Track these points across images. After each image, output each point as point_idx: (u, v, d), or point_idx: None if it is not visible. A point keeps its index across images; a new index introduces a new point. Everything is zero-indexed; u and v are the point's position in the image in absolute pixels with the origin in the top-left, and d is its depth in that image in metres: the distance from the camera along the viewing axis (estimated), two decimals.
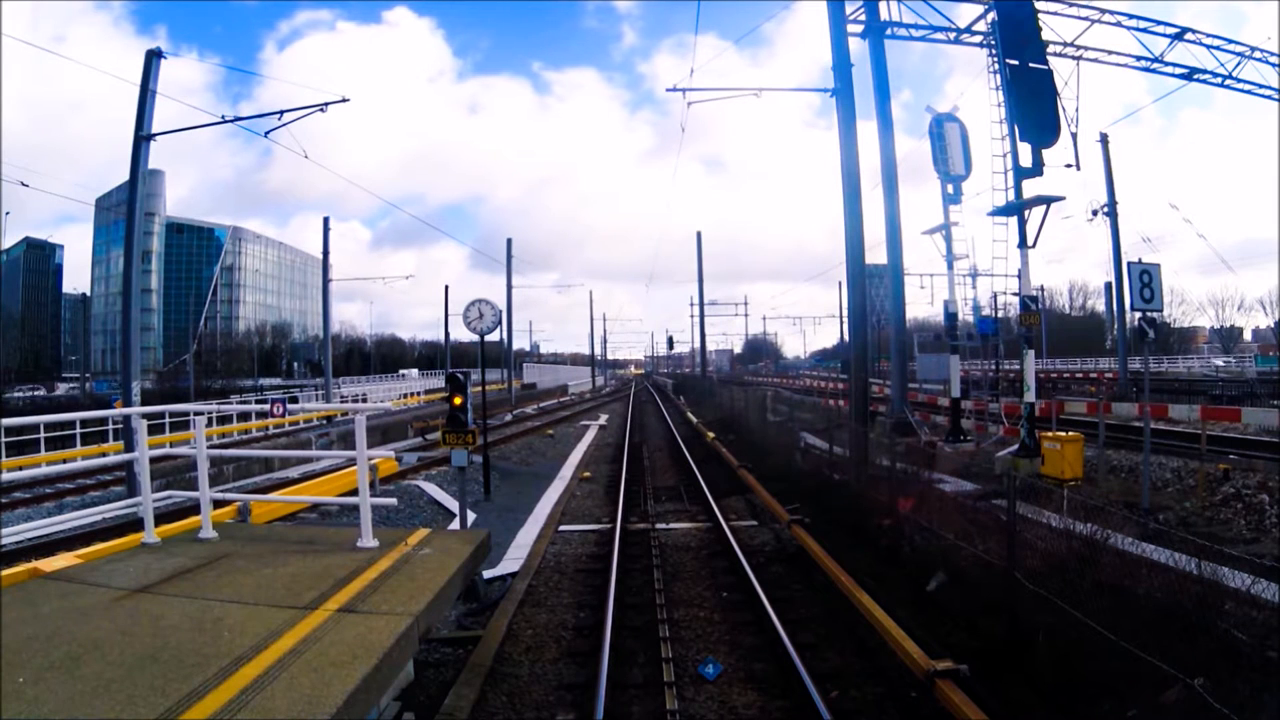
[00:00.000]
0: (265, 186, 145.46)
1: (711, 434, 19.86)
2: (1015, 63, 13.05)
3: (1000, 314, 16.92)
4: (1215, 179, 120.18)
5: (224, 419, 23.98)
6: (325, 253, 28.34)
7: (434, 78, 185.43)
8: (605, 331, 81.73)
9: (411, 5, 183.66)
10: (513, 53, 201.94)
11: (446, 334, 43.76)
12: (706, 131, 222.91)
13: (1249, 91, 18.37)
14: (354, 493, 5.07)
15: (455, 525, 9.94)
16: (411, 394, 42.92)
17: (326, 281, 28.94)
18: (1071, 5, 16.47)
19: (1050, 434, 11.04)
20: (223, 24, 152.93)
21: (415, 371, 70.48)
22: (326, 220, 28.62)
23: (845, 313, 30.27)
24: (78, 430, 19.25)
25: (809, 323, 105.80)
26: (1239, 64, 18.08)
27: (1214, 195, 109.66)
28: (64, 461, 17.35)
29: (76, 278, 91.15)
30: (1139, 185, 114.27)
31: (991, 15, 13.96)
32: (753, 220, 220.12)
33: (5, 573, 4.21)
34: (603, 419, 30.50)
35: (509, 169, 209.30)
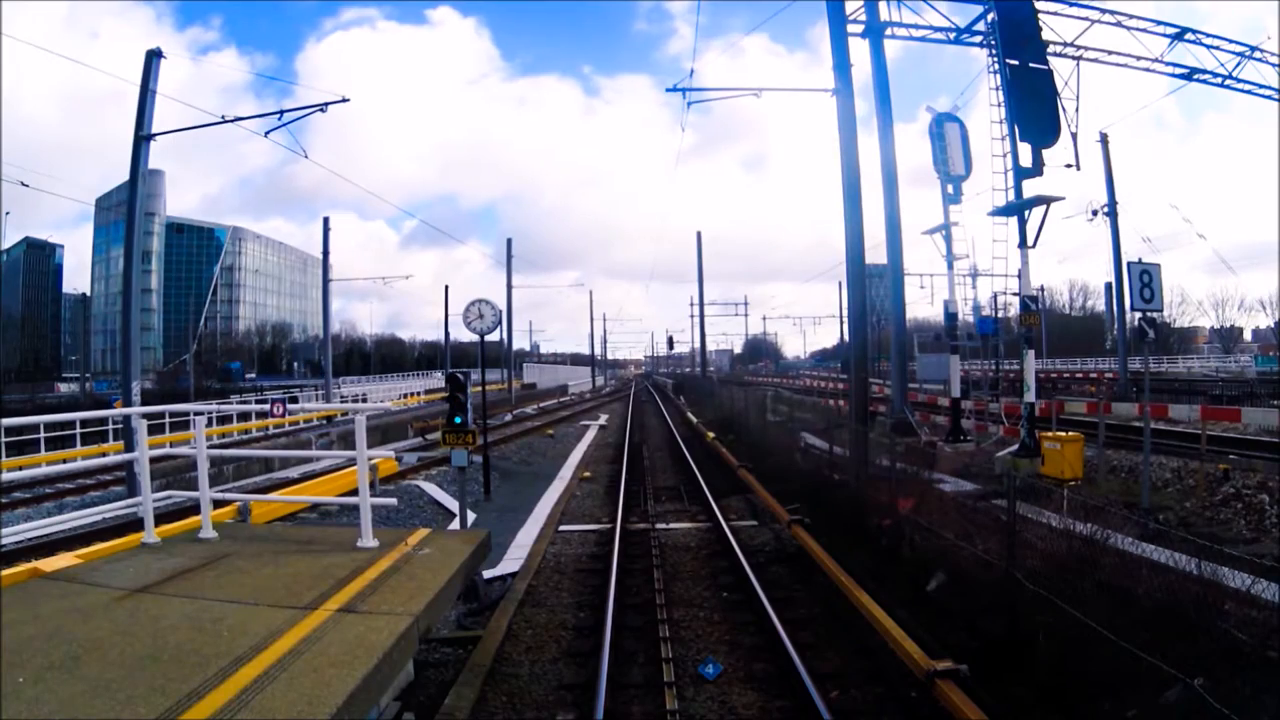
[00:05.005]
0: (294, 184, 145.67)
1: (711, 434, 19.85)
2: (1015, 63, 13.06)
3: (1000, 314, 16.94)
4: (1233, 181, 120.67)
5: (224, 419, 23.97)
6: (325, 252, 28.34)
7: (475, 79, 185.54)
8: (605, 331, 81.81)
9: (456, 5, 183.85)
10: (560, 55, 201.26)
11: (446, 334, 43.81)
12: (747, 131, 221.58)
13: (1249, 92, 18.35)
14: (354, 493, 5.07)
15: (455, 525, 9.94)
16: (411, 394, 42.90)
17: (326, 281, 28.96)
18: (1071, 5, 16.45)
19: (1050, 434, 11.03)
20: (269, 20, 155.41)
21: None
22: (326, 220, 28.68)
23: (845, 313, 30.29)
24: (78, 430, 19.24)
25: (809, 323, 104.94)
26: (1239, 64, 18.06)
27: (1230, 197, 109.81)
28: (64, 461, 17.34)
29: (77, 278, 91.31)
30: (1156, 187, 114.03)
31: (991, 15, 13.95)
32: (780, 220, 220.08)
33: (5, 573, 4.21)
34: (603, 419, 30.50)
35: (547, 170, 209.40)
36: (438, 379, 47.37)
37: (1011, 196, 12.82)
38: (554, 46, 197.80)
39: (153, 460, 6.07)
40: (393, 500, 9.07)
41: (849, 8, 13.87)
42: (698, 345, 58.81)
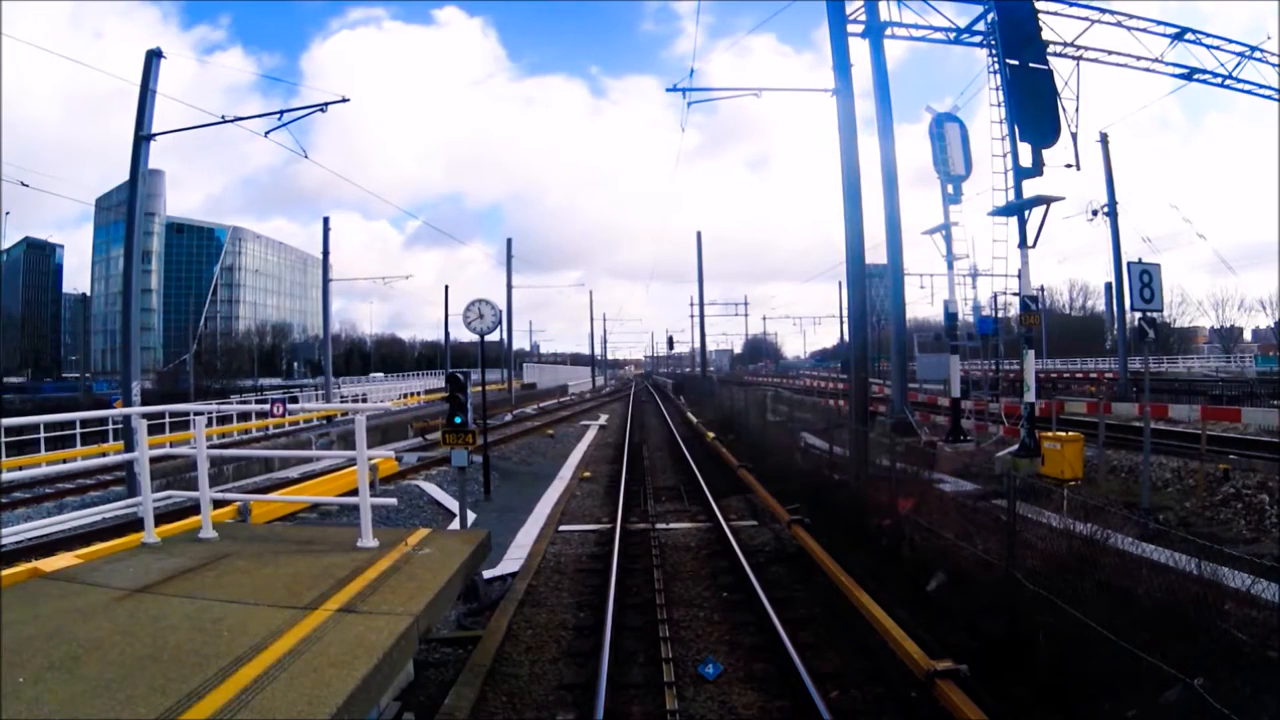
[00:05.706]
0: (297, 184, 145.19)
1: (711, 434, 19.85)
2: (1015, 63, 13.07)
3: (1000, 314, 16.94)
4: (1234, 181, 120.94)
5: (224, 419, 23.97)
6: (325, 253, 28.29)
7: (481, 80, 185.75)
8: (605, 331, 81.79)
9: (463, 5, 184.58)
10: (567, 55, 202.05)
11: (446, 334, 43.78)
12: (752, 132, 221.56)
13: (1249, 92, 18.35)
14: (354, 493, 5.07)
15: (455, 525, 9.95)
16: (411, 394, 42.89)
17: (326, 282, 28.92)
18: (1071, 5, 16.45)
19: (1050, 434, 11.03)
20: (276, 19, 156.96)
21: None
22: (326, 220, 28.60)
23: (845, 313, 30.28)
24: (78, 430, 19.23)
25: (809, 323, 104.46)
26: (1239, 64, 18.06)
27: (1230, 197, 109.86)
28: (64, 461, 17.33)
29: (77, 278, 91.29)
30: (1156, 187, 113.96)
31: (991, 15, 13.95)
32: (781, 220, 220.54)
33: (5, 573, 4.21)
34: (603, 419, 30.50)
35: (552, 170, 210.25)
36: (438, 379, 47.36)
37: (1011, 196, 12.82)
38: (561, 47, 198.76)
39: (153, 460, 6.07)
40: (393, 500, 9.06)
41: (849, 8, 13.90)
42: (698, 345, 58.75)
